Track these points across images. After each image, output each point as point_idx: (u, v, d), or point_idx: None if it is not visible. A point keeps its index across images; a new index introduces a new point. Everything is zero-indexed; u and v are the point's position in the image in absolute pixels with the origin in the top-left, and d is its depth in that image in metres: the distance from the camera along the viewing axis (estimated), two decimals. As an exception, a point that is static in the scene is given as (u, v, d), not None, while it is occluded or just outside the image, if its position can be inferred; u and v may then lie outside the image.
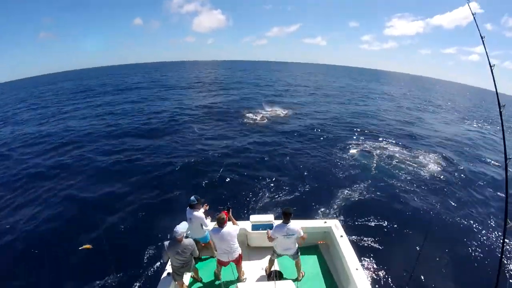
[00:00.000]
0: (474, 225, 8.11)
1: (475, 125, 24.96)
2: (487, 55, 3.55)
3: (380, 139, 15.99)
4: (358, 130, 17.79)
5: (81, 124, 18.93)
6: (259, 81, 48.77)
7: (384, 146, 14.57)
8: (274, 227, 4.41)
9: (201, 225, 4.69)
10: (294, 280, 3.52)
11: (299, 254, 4.55)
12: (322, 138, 15.60)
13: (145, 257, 6.42)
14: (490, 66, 3.32)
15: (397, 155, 13.24)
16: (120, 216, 8.21)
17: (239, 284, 3.47)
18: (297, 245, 4.46)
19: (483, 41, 3.72)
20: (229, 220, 4.46)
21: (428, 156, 13.46)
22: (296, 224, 4.29)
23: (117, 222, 7.95)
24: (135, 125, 18.20)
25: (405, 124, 20.90)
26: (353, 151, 13.56)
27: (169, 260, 4.04)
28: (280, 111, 21.98)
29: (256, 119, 19.31)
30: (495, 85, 3.45)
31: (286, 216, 4.25)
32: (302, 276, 4.73)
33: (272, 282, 3.21)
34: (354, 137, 15.84)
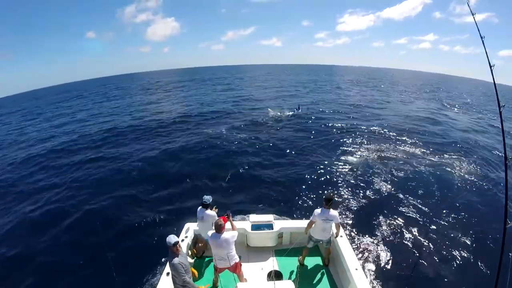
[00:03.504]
0: (474, 225, 8.08)
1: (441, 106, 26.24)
2: (487, 55, 3.49)
3: (372, 129, 16.21)
4: (350, 128, 17.77)
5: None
6: (220, 85, 45.22)
7: (377, 142, 14.53)
8: (315, 212, 4.56)
9: (212, 224, 4.60)
10: (293, 280, 3.53)
11: (331, 241, 4.79)
12: (313, 138, 15.61)
13: (146, 257, 6.41)
14: (490, 66, 3.26)
15: (392, 152, 13.23)
16: (119, 218, 8.25)
17: (239, 284, 3.47)
18: (331, 233, 4.71)
19: (483, 42, 3.66)
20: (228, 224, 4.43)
21: (423, 151, 13.52)
22: (335, 211, 4.52)
23: (116, 223, 7.98)
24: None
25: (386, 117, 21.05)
26: (349, 149, 13.56)
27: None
28: (253, 116, 20.76)
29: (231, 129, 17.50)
30: (494, 85, 3.38)
31: (327, 202, 4.45)
32: (328, 262, 5.00)
33: (271, 282, 3.20)
34: (349, 135, 15.78)
